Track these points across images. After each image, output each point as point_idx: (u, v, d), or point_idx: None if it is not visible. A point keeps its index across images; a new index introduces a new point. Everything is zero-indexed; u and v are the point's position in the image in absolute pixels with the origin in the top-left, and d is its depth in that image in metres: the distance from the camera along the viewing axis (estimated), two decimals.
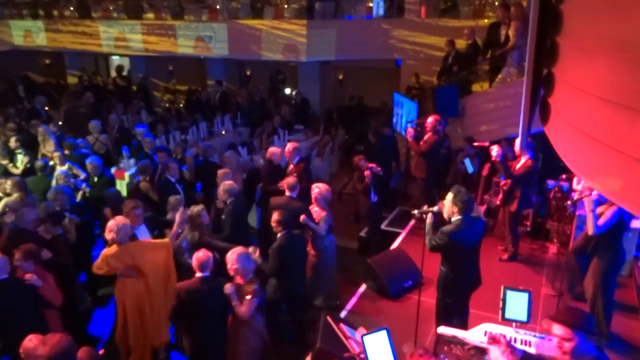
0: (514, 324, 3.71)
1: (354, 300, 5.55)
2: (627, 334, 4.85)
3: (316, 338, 4.04)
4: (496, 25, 8.18)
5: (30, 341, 3.18)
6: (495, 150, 5.84)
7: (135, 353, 4.59)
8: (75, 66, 16.33)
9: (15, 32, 15.20)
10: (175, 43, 12.61)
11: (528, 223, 6.89)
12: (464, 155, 7.30)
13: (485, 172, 6.93)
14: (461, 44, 8.87)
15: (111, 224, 4.38)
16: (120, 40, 13.44)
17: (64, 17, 14.60)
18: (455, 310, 4.25)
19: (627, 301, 5.36)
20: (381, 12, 11.66)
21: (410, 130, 7.07)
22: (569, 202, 5.28)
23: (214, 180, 6.11)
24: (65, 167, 6.84)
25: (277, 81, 14.41)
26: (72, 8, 14.60)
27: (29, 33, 14.99)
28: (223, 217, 5.54)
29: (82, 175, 6.84)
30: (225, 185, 5.56)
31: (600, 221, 4.46)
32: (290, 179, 5.58)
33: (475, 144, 7.27)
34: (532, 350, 3.42)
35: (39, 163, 6.86)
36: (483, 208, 6.72)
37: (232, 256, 3.94)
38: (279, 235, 4.73)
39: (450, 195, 4.05)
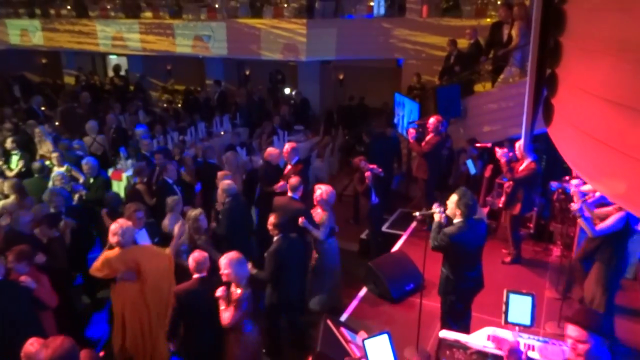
0: (517, 328, 3.70)
1: (354, 303, 5.55)
2: (632, 338, 4.84)
3: (316, 342, 4.05)
4: (499, 25, 8.18)
5: (32, 345, 3.18)
6: (500, 151, 5.85)
7: None
8: (72, 66, 16.36)
9: (11, 31, 15.22)
10: (173, 42, 12.63)
11: (531, 225, 6.89)
12: (466, 156, 7.31)
13: (487, 173, 6.93)
14: (463, 43, 8.88)
15: (115, 227, 4.33)
16: (117, 39, 13.45)
17: (61, 16, 14.63)
18: (457, 313, 4.25)
19: (631, 304, 5.35)
20: (382, 11, 11.68)
21: (412, 131, 7.08)
22: (572, 204, 5.28)
23: (214, 182, 6.11)
24: (63, 169, 6.83)
25: (276, 81, 14.43)
26: (69, 7, 14.64)
27: (26, 32, 15.01)
28: (219, 216, 5.55)
29: (81, 179, 6.81)
30: (224, 184, 5.57)
31: (604, 225, 4.46)
32: (293, 180, 5.57)
33: (478, 145, 7.28)
34: (535, 355, 3.42)
35: (36, 165, 6.85)
36: (486, 210, 6.72)
37: (224, 261, 3.92)
38: (275, 238, 4.73)
39: (454, 197, 4.06)
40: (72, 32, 14.18)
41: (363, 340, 3.49)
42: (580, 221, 4.56)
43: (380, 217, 7.25)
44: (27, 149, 8.22)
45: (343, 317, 5.20)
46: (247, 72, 14.96)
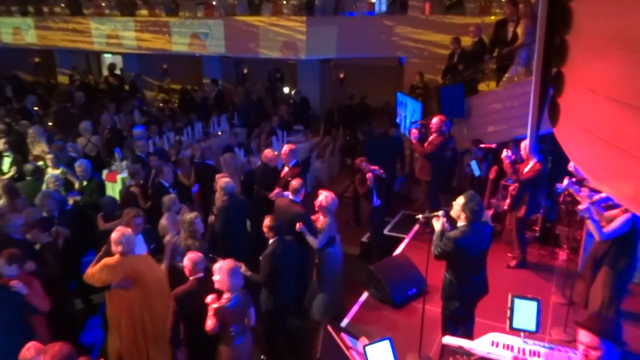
0: (522, 334, 3.70)
1: (355, 309, 5.53)
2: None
3: (316, 348, 4.04)
4: (503, 23, 8.19)
5: (29, 350, 3.19)
6: (505, 152, 5.85)
7: None
8: (66, 65, 16.36)
9: (3, 30, 15.25)
10: (169, 40, 12.64)
11: (537, 228, 6.89)
12: (471, 157, 7.30)
13: (492, 175, 6.93)
14: (467, 41, 8.89)
15: (117, 235, 4.30)
16: (112, 37, 13.47)
17: (54, 13, 14.64)
18: (460, 319, 4.25)
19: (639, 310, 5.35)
20: (384, 8, 11.70)
21: (414, 132, 7.08)
22: (579, 207, 5.28)
23: (212, 184, 6.10)
24: (58, 171, 6.79)
25: (275, 80, 14.42)
26: (62, 4, 14.63)
27: (18, 30, 15.03)
28: (215, 214, 5.57)
29: (77, 184, 6.73)
30: (222, 182, 5.59)
31: (610, 227, 4.45)
32: (295, 182, 5.56)
33: (482, 145, 7.27)
34: None
35: (28, 166, 6.78)
36: (490, 212, 6.72)
37: (217, 267, 3.90)
38: (271, 241, 4.73)
39: (461, 200, 4.04)
40: (65, 30, 14.20)
41: (364, 347, 3.49)
42: (588, 223, 4.54)
43: (382, 220, 7.24)
44: (20, 150, 8.20)
45: (343, 323, 5.19)
46: (245, 71, 14.97)
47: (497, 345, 3.60)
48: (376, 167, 6.53)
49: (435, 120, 6.91)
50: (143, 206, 6.19)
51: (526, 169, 5.90)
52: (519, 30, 7.69)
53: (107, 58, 17.30)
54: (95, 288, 5.25)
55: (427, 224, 4.28)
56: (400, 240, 7.04)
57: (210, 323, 3.80)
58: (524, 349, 3.55)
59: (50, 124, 10.33)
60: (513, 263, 6.25)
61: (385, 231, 7.43)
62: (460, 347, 3.62)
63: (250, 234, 5.97)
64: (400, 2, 11.43)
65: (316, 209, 5.46)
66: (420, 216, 4.42)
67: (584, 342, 2.74)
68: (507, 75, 8.08)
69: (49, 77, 16.62)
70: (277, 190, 6.09)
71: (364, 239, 7.34)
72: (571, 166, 5.27)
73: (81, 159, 7.08)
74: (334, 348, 4.02)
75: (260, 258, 4.67)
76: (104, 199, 6.01)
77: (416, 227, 7.23)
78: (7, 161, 7.62)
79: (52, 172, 6.79)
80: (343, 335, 4.29)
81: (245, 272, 4.48)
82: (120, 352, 4.57)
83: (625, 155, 2.11)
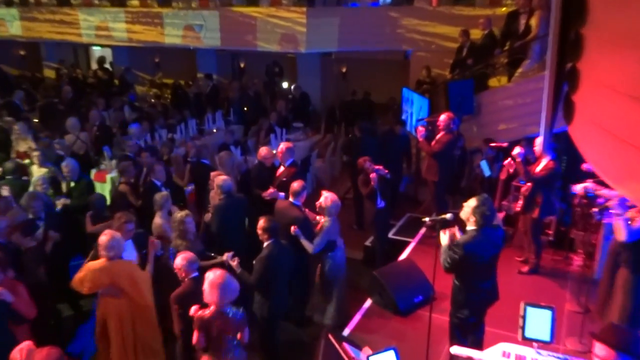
0: (535, 344, 3.70)
1: (358, 317, 5.54)
2: None
3: (317, 358, 4.05)
4: (515, 14, 8.20)
5: (19, 352, 3.21)
6: (517, 150, 5.85)
7: None
8: (53, 58, 16.40)
9: None
10: (162, 32, 12.66)
11: (550, 232, 6.88)
12: (481, 157, 7.31)
13: (503, 175, 6.92)
14: (476, 34, 8.90)
15: (105, 239, 4.29)
16: (102, 29, 13.49)
17: (41, 4, 14.68)
18: (469, 327, 4.25)
19: None
20: None
21: (421, 129, 7.08)
22: (595, 210, 5.28)
23: (207, 184, 6.11)
24: (44, 170, 6.78)
25: (273, 74, 14.43)
26: None
27: (2, 22, 15.06)
28: (211, 213, 5.59)
29: (64, 185, 6.71)
30: (219, 180, 5.61)
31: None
32: (296, 185, 5.56)
33: (493, 144, 7.27)
34: None
35: (8, 165, 6.72)
36: (501, 215, 6.71)
37: (207, 281, 3.84)
38: (265, 244, 4.74)
39: (473, 202, 4.03)
40: (52, 21, 14.22)
41: (368, 357, 3.50)
42: (616, 221, 4.48)
43: (387, 223, 7.24)
44: (4, 147, 8.20)
45: (346, 331, 5.20)
46: (242, 65, 14.98)
47: (508, 356, 3.61)
48: (380, 167, 6.54)
49: (443, 117, 6.92)
50: (134, 203, 6.19)
51: (539, 168, 5.90)
52: (533, 22, 7.69)
53: (96, 51, 17.33)
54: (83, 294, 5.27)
55: (434, 228, 4.28)
56: (406, 244, 7.06)
57: (193, 336, 3.81)
58: None
59: (35, 120, 10.33)
60: (525, 269, 6.26)
61: (390, 235, 7.43)
62: (470, 358, 3.63)
63: (247, 233, 5.98)
64: None
65: (317, 209, 5.48)
66: (427, 219, 4.43)
67: (599, 356, 2.74)
68: (519, 70, 8.08)
69: (35, 71, 16.63)
70: (271, 190, 6.09)
71: (368, 242, 7.34)
72: (586, 167, 5.27)
73: (68, 157, 7.07)
74: (335, 358, 4.03)
75: (254, 262, 4.68)
76: (93, 196, 6.00)
77: (423, 230, 7.24)
78: None
79: (37, 169, 6.78)
80: (345, 344, 4.29)
81: (237, 268, 4.55)
82: None
83: None
